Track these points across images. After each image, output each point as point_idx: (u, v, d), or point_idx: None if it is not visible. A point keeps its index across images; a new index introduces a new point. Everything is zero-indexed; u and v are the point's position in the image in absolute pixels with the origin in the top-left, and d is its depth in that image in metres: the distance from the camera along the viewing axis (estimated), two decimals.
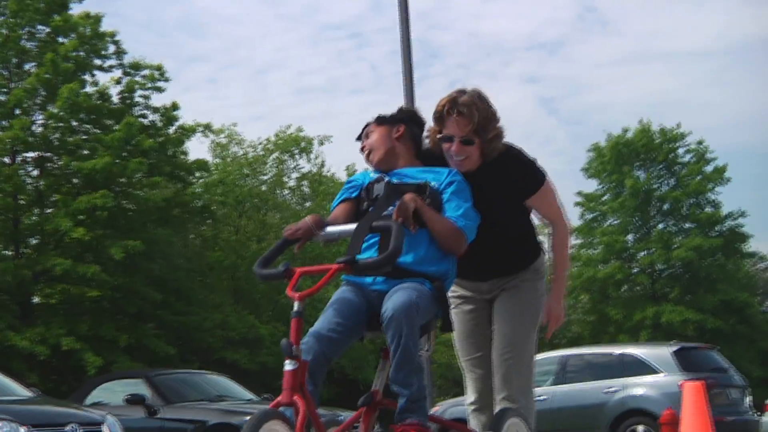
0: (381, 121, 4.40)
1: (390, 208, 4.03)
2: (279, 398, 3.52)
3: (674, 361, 13.37)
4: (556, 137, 63.05)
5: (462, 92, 4.36)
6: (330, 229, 4.01)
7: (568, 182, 64.48)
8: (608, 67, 61.30)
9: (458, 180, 4.21)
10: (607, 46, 60.63)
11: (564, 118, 64.81)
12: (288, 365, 3.55)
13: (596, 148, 38.35)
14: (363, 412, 3.96)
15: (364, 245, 4.06)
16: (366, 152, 4.36)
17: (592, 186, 39.31)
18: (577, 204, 38.88)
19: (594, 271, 36.83)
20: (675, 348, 13.81)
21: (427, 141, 4.49)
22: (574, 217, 52.15)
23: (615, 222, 38.14)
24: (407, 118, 4.42)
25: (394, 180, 4.20)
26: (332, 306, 3.99)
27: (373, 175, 4.30)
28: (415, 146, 4.39)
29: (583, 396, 13.81)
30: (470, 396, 4.74)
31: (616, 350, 14.62)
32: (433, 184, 4.17)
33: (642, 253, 37.76)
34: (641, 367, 13.56)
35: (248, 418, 3.39)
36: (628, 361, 13.78)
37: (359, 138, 4.43)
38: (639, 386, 13.36)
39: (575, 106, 62.22)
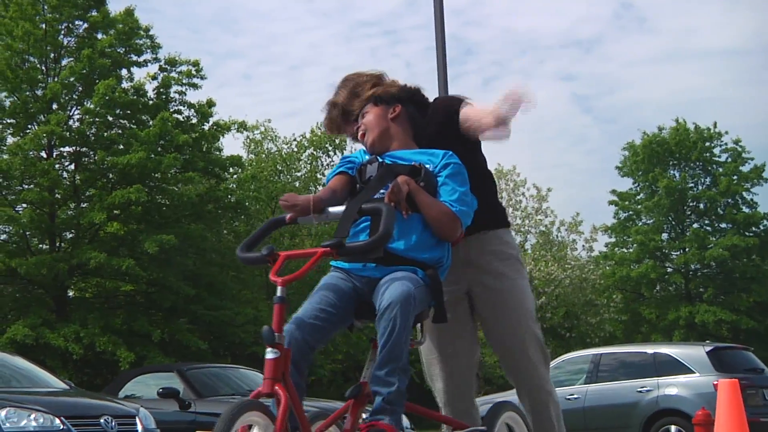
0: (377, 100, 4.20)
1: (382, 191, 3.84)
2: (259, 388, 3.35)
3: (708, 361, 13.26)
4: (591, 135, 62.61)
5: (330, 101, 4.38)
6: (329, 210, 3.81)
7: (602, 181, 64.16)
8: (644, 65, 60.82)
9: (454, 163, 3.99)
10: (643, 43, 60.09)
11: (599, 117, 64.35)
12: (269, 354, 3.36)
13: (631, 146, 38.15)
14: (351, 404, 3.73)
15: (356, 228, 3.87)
16: (360, 133, 4.17)
17: (626, 185, 39.14)
18: (611, 203, 38.71)
19: (627, 270, 36.63)
20: (709, 348, 13.70)
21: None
22: (608, 215, 51.87)
23: (649, 221, 37.91)
24: (405, 98, 4.20)
25: (388, 161, 4.01)
26: (318, 292, 3.81)
27: (367, 157, 4.11)
28: (413, 127, 4.17)
29: (616, 395, 13.73)
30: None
31: (650, 349, 14.51)
32: (428, 166, 3.96)
33: (676, 253, 37.52)
34: (675, 367, 13.46)
35: (223, 410, 3.20)
36: (661, 361, 13.68)
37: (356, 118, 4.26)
38: (672, 386, 13.26)
39: (610, 104, 61.76)
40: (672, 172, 37.70)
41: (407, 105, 4.18)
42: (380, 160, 4.01)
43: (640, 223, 38.06)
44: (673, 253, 37.77)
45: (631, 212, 38.48)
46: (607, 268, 38.01)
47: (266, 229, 3.89)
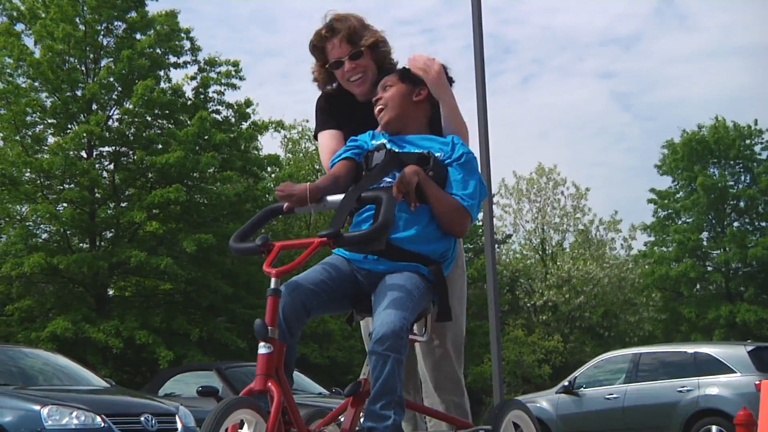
0: (404, 76, 3.96)
1: (387, 179, 3.68)
2: (251, 385, 3.22)
3: (750, 360, 13.13)
4: (630, 133, 62.14)
5: (326, 18, 4.12)
6: (328, 199, 3.62)
7: (642, 179, 63.59)
8: (684, 63, 60.26)
9: (467, 152, 3.80)
10: (684, 40, 59.56)
11: (638, 114, 63.85)
12: (262, 349, 3.22)
13: (670, 144, 37.86)
14: (350, 402, 3.58)
15: (360, 217, 3.72)
16: (378, 107, 3.91)
17: (665, 183, 38.85)
18: (650, 201, 38.44)
19: (667, 269, 36.37)
20: (750, 347, 13.56)
21: (316, 84, 4.21)
22: (647, 214, 51.44)
23: (689, 220, 37.60)
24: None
25: (395, 148, 3.80)
26: (321, 264, 3.67)
27: (374, 143, 3.88)
28: (433, 112, 3.97)
29: (656, 395, 13.64)
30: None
31: (690, 349, 14.39)
32: (438, 154, 3.77)
33: (716, 252, 37.18)
34: (716, 367, 13.34)
35: (216, 406, 3.08)
36: (702, 360, 13.57)
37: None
38: (713, 386, 13.14)
39: (650, 102, 61.24)
40: (712, 170, 37.36)
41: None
42: (388, 146, 3.81)
43: (680, 222, 37.77)
44: (713, 252, 37.42)
45: (670, 211, 38.20)
46: (646, 266, 37.74)
47: (262, 219, 3.68)
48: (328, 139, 4.18)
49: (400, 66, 4.19)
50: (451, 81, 4.07)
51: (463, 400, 4.17)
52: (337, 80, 4.22)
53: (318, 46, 4.09)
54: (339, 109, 4.20)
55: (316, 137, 4.31)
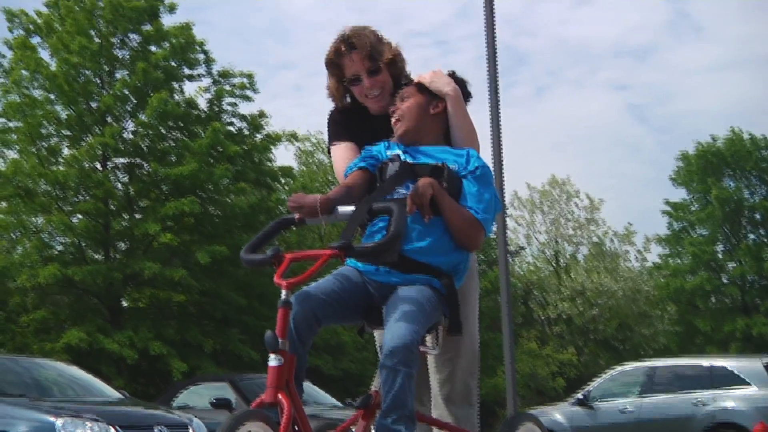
0: (422, 88, 3.94)
1: (400, 190, 3.66)
2: (262, 397, 3.21)
3: (766, 373, 13.06)
4: (645, 145, 62.09)
5: (344, 29, 4.05)
6: (339, 210, 3.57)
7: (656, 191, 63.60)
8: (699, 74, 60.23)
9: (482, 165, 3.77)
10: (698, 52, 59.55)
11: (653, 126, 63.81)
12: (273, 361, 3.21)
13: (685, 156, 37.76)
14: (361, 415, 3.57)
15: (373, 228, 3.68)
16: (395, 119, 3.90)
17: (680, 195, 38.75)
18: (664, 213, 38.34)
19: (681, 282, 36.25)
20: (767, 361, 13.48)
21: (332, 98, 4.16)
22: (661, 226, 51.30)
23: (704, 232, 37.48)
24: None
25: (410, 159, 3.77)
26: (332, 275, 3.64)
27: (389, 153, 3.84)
28: (448, 124, 3.95)
29: (671, 408, 13.58)
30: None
31: (706, 362, 14.32)
32: (452, 166, 3.73)
33: (732, 264, 37.03)
34: (731, 380, 13.27)
35: (226, 418, 3.07)
36: (717, 373, 13.50)
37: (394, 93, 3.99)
38: (729, 399, 13.07)
39: (664, 114, 61.23)
40: (727, 182, 37.24)
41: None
42: (402, 157, 3.78)
43: (695, 234, 37.63)
44: (728, 264, 37.26)
45: (685, 223, 38.08)
46: (661, 279, 37.62)
47: (273, 230, 3.64)
48: (342, 151, 4.16)
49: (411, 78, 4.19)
50: (467, 96, 4.07)
51: (471, 412, 4.13)
52: (351, 95, 4.20)
53: (335, 62, 4.06)
54: (352, 122, 4.18)
55: (329, 151, 4.29)
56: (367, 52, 3.99)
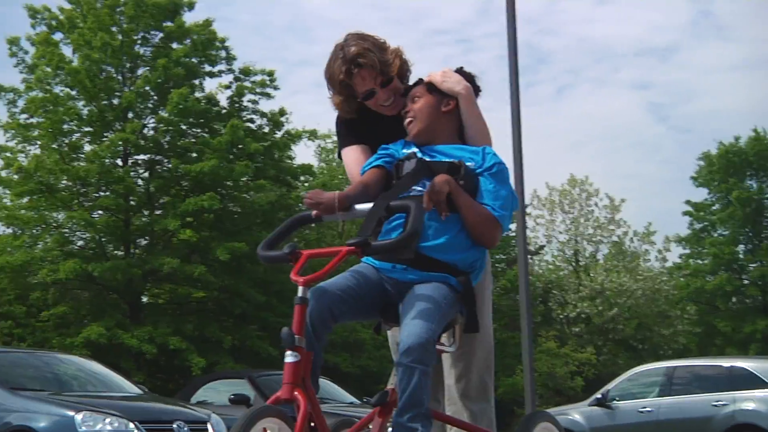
0: (432, 87, 3.94)
1: (417, 188, 3.65)
2: (278, 393, 3.21)
3: None
4: (666, 145, 61.72)
5: (344, 47, 3.94)
6: (356, 207, 3.58)
7: (677, 191, 63.28)
8: (722, 73, 59.78)
9: (498, 162, 3.77)
10: (721, 51, 59.12)
11: (674, 126, 63.41)
12: (289, 357, 3.23)
13: (706, 156, 37.57)
14: (377, 413, 3.56)
15: (389, 226, 3.67)
16: (407, 120, 3.90)
17: (701, 195, 38.54)
18: (685, 213, 38.15)
19: (702, 282, 36.07)
20: None
21: (342, 112, 4.11)
22: (681, 226, 51.11)
23: (725, 232, 37.27)
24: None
25: (426, 158, 3.77)
26: (349, 271, 3.64)
27: (405, 151, 3.85)
28: (460, 122, 3.95)
29: (690, 409, 13.49)
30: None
31: (726, 363, 14.23)
32: (469, 164, 3.73)
33: (753, 265, 36.81)
34: (752, 381, 13.17)
35: (241, 415, 3.08)
36: (737, 374, 13.41)
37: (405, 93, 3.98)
38: (749, 400, 12.97)
39: (686, 114, 60.86)
40: (750, 182, 37.01)
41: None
42: (419, 155, 3.79)
43: (716, 234, 37.44)
44: (749, 265, 37.05)
45: (706, 223, 37.89)
46: (681, 279, 37.45)
47: (290, 226, 3.66)
48: (354, 154, 4.15)
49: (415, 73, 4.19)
50: (477, 90, 4.05)
51: (487, 408, 4.12)
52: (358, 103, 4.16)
53: (346, 82, 3.99)
54: (361, 124, 4.17)
55: (339, 155, 4.28)
56: (376, 70, 3.95)
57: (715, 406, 13.22)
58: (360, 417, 3.78)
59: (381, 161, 3.85)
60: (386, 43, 4.05)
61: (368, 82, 3.97)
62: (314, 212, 3.59)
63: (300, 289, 3.31)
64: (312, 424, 3.29)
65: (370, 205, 3.57)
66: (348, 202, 3.56)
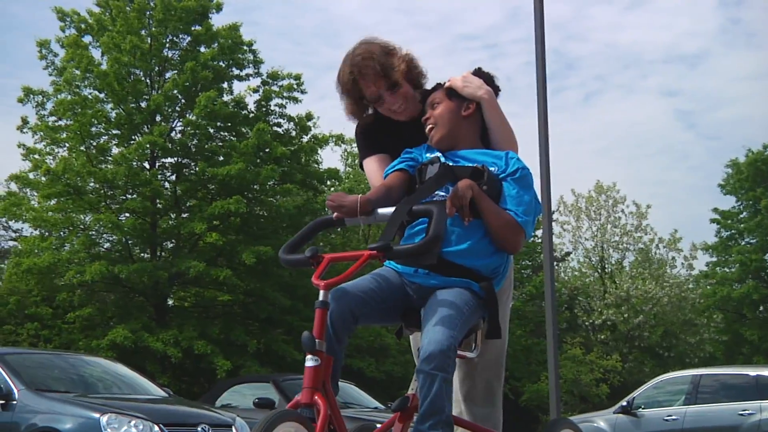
0: (451, 92, 3.93)
1: (440, 193, 3.63)
2: (298, 397, 3.21)
3: None
4: (694, 152, 61.47)
5: (351, 52, 3.98)
6: (378, 211, 3.55)
7: (705, 199, 62.82)
8: (751, 81, 59.40)
9: (521, 167, 3.73)
10: (750, 58, 58.76)
11: (702, 133, 63.12)
12: (309, 361, 3.22)
13: (734, 164, 37.30)
14: (397, 418, 3.55)
15: (412, 230, 3.67)
16: (428, 127, 3.89)
17: (728, 203, 38.27)
18: (712, 221, 37.88)
19: (729, 290, 35.78)
20: None
21: (352, 117, 4.13)
22: (709, 234, 50.78)
23: (752, 240, 36.97)
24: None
25: (450, 161, 3.76)
26: (371, 275, 3.63)
27: (428, 155, 3.83)
28: (482, 125, 3.94)
29: (716, 417, 13.41)
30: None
31: (752, 372, 14.13)
32: (492, 168, 3.71)
33: None
34: None
35: (261, 419, 3.07)
36: (764, 384, 13.31)
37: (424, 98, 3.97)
38: None
39: (714, 121, 60.54)
40: None
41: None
42: (442, 160, 3.77)
43: (743, 243, 37.15)
44: None
45: (733, 231, 37.61)
46: (708, 287, 37.19)
47: (312, 230, 3.65)
48: (375, 163, 4.13)
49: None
50: (497, 90, 4.02)
51: (491, 413, 4.12)
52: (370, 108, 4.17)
53: (352, 89, 4.02)
54: (381, 132, 4.16)
55: (361, 165, 4.27)
56: (379, 73, 3.95)
57: (741, 415, 13.13)
58: (381, 422, 3.77)
59: (404, 165, 3.83)
60: (397, 48, 4.04)
61: (372, 86, 3.97)
62: (335, 215, 3.58)
63: (321, 293, 3.31)
64: (332, 428, 3.29)
65: (392, 209, 3.54)
66: (370, 206, 3.54)
